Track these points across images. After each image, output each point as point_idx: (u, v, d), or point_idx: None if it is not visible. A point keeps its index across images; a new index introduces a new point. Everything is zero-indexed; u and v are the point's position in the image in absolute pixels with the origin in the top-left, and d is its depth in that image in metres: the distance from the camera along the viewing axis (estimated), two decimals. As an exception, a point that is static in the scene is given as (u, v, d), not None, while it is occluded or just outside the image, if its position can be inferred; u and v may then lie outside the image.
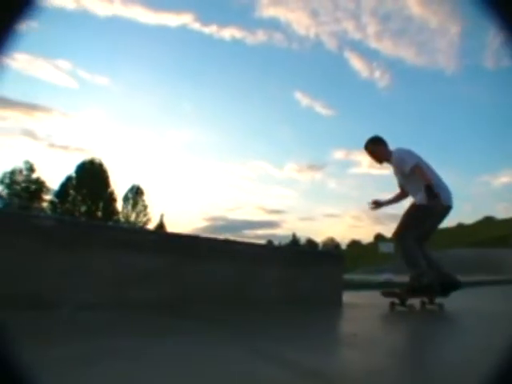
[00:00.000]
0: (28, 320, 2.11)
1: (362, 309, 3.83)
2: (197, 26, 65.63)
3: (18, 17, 0.96)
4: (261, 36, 77.30)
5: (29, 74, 59.78)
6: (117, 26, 62.93)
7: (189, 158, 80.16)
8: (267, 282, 3.54)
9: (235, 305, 3.20)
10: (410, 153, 4.13)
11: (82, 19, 60.73)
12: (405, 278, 4.20)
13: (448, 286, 3.97)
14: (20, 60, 62.89)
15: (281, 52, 71.69)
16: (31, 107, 64.69)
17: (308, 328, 2.55)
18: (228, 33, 76.17)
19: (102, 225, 2.86)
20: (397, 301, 3.74)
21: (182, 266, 3.05)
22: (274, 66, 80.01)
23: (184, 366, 1.43)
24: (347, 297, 4.12)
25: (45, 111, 65.34)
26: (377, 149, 4.21)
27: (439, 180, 4.09)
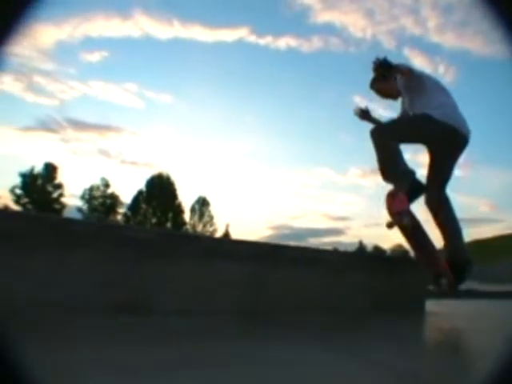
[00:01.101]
0: (138, 324, 2.32)
1: (446, 317, 3.73)
2: (253, 38, 66.64)
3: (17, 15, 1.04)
4: (316, 42, 76.74)
5: (102, 99, 64.10)
6: (177, 46, 65.81)
7: (252, 168, 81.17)
8: (350, 289, 3.55)
9: (319, 312, 3.24)
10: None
11: (146, 44, 64.19)
12: (488, 287, 3.94)
13: (457, 268, 3.30)
14: (95, 87, 67.65)
15: (338, 56, 70.73)
16: (105, 128, 69.44)
17: (397, 334, 2.56)
18: (283, 42, 76.61)
19: (192, 235, 3.06)
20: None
21: (266, 274, 3.16)
22: (331, 71, 78.81)
23: (296, 371, 1.51)
24: (429, 305, 4.02)
25: (116, 131, 69.53)
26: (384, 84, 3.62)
27: (448, 101, 3.43)
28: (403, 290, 3.77)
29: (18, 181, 43.95)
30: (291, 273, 3.26)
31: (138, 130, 78.92)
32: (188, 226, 50.50)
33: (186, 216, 51.26)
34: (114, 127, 75.86)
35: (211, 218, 52.43)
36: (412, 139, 3.53)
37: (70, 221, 2.69)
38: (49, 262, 2.35)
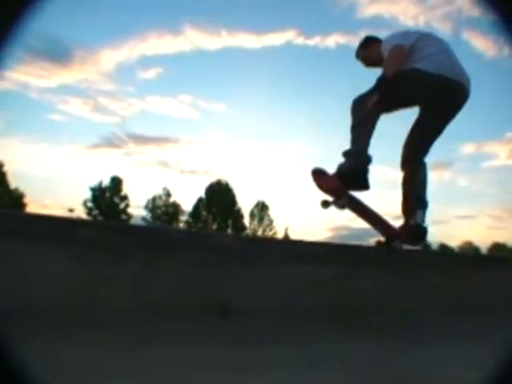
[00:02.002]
0: (230, 325, 2.41)
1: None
2: (300, 40, 66.28)
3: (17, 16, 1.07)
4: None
5: (160, 113, 66.87)
6: (227, 55, 67.05)
7: (307, 170, 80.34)
8: (422, 288, 3.46)
9: (396, 312, 3.18)
10: (402, 33, 3.10)
11: (197, 56, 65.97)
12: None
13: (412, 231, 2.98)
14: (152, 102, 70.42)
15: None
16: (163, 140, 72.15)
17: (480, 335, 2.46)
18: (332, 40, 75.17)
19: (274, 239, 3.12)
20: None
21: (347, 275, 3.16)
22: None
23: (397, 369, 1.53)
24: None
25: (174, 142, 71.93)
26: (369, 52, 3.22)
27: (437, 51, 2.98)
28: (480, 288, 3.59)
29: (88, 194, 46.80)
30: (369, 273, 3.23)
31: (194, 140, 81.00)
32: (248, 231, 51.03)
33: (246, 221, 51.88)
34: (172, 138, 78.72)
35: (271, 221, 52.63)
36: (399, 103, 3.07)
37: (161, 229, 2.84)
38: (142, 268, 2.51)
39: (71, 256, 2.45)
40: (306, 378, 1.43)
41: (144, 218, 47.90)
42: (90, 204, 46.49)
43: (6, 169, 43.19)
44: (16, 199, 43.05)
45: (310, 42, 69.32)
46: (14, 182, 43.79)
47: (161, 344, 1.83)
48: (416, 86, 2.96)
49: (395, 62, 2.90)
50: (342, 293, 3.11)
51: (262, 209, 52.65)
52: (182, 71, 73.83)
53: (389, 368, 1.56)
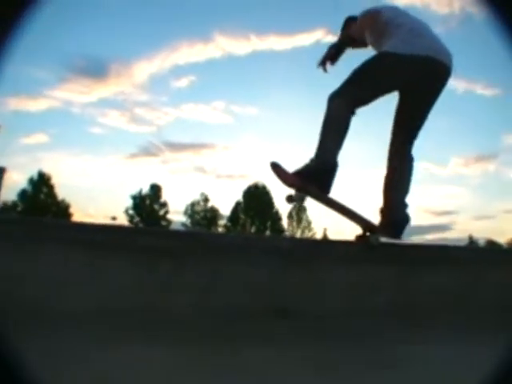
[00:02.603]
0: (295, 327, 2.40)
1: None
2: (329, 38, 65.38)
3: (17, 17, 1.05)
4: None
5: (194, 120, 68.08)
6: (257, 58, 67.21)
7: (344, 169, 79.24)
8: (490, 287, 3.33)
9: (462, 312, 3.08)
10: (378, 5, 2.96)
11: (228, 62, 66.78)
12: None
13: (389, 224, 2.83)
14: (186, 110, 71.78)
15: None
16: (198, 146, 73.64)
17: None
18: None
19: (335, 241, 3.10)
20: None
21: (408, 275, 3.08)
22: None
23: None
24: None
25: (209, 148, 72.84)
26: (351, 32, 3.06)
27: (418, 26, 2.81)
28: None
29: (130, 202, 48.21)
30: (431, 272, 3.14)
31: (229, 145, 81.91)
32: (287, 233, 50.98)
33: (284, 223, 51.85)
34: (207, 144, 79.82)
35: (309, 223, 52.36)
36: (378, 93, 2.82)
37: (222, 235, 2.87)
38: (202, 273, 2.53)
39: (134, 263, 2.50)
40: (396, 379, 1.39)
41: (184, 224, 48.76)
42: (131, 212, 47.84)
43: (53, 181, 45.23)
44: (63, 209, 44.91)
45: (339, 40, 68.53)
46: (60, 194, 45.80)
47: (240, 346, 1.84)
48: (392, 72, 2.76)
49: (366, 21, 2.84)
50: (407, 292, 3.04)
51: (299, 210, 52.45)
52: (214, 78, 74.94)
53: (477, 368, 1.50)
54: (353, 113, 2.77)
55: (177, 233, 3.14)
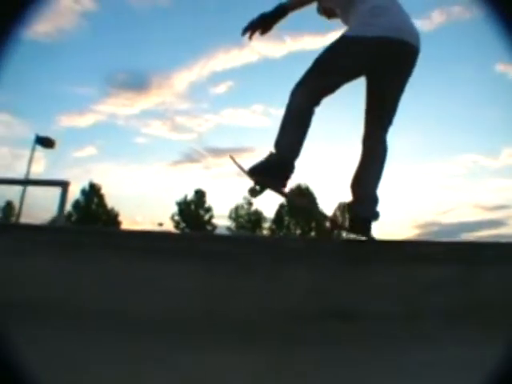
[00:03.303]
0: (358, 330, 2.38)
1: None
2: None
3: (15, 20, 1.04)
4: (437, 17, 69.15)
5: (233, 124, 68.77)
6: (292, 60, 66.78)
7: (389, 166, 77.27)
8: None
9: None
10: None
11: (264, 65, 67.07)
12: None
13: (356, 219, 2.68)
14: (225, 115, 72.68)
15: (463, 25, 63.38)
16: (239, 150, 73.96)
17: None
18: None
19: (390, 241, 3.06)
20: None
21: (469, 275, 2.98)
22: (463, 43, 70.70)
23: None
24: None
25: (249, 151, 72.88)
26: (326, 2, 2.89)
27: (383, 3, 2.60)
28: None
29: (175, 209, 49.42)
30: (494, 271, 3.02)
31: (268, 147, 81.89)
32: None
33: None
34: (247, 148, 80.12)
35: (354, 222, 51.63)
36: (340, 80, 2.66)
37: (281, 239, 2.89)
38: (269, 278, 2.56)
39: (198, 269, 2.57)
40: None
41: (228, 228, 49.34)
42: (177, 217, 48.98)
43: (103, 191, 47.28)
44: (113, 218, 46.71)
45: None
46: (110, 202, 47.74)
47: (306, 350, 1.85)
48: (352, 57, 2.60)
49: None
50: (468, 292, 2.93)
51: (344, 210, 51.77)
52: (251, 82, 75.63)
53: None
54: (317, 103, 2.65)
55: (237, 238, 3.20)
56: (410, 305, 2.76)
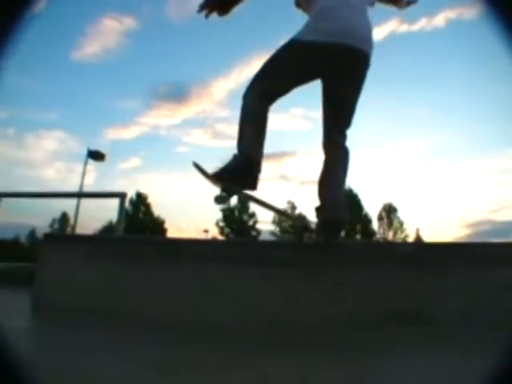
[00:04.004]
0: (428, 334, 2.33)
1: None
2: (405, 27, 62.25)
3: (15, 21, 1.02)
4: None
5: (274, 129, 68.69)
6: None
7: (434, 165, 75.05)
8: None
9: None
10: None
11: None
12: None
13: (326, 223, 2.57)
14: (265, 118, 72.99)
15: None
16: (280, 155, 74.20)
17: None
18: (441, 18, 68.99)
19: (460, 243, 3.00)
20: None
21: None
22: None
23: None
24: None
25: (290, 155, 73.42)
26: None
27: (333, 4, 2.52)
28: None
29: (219, 215, 50.09)
30: None
31: (309, 150, 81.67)
32: (378, 236, 49.32)
33: (374, 225, 50.27)
34: (289, 152, 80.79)
35: (401, 223, 50.22)
36: (289, 85, 2.65)
37: (345, 244, 2.90)
38: (335, 283, 2.56)
39: (265, 276, 2.61)
40: None
41: (273, 233, 49.38)
42: (221, 224, 49.59)
43: (149, 200, 48.75)
44: (159, 225, 47.96)
45: (416, 27, 64.79)
46: (155, 211, 49.12)
47: (377, 355, 1.85)
48: (299, 62, 2.56)
49: None
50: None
51: (389, 211, 50.58)
52: (292, 85, 75.54)
53: None
54: (269, 105, 2.64)
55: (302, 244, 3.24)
56: (485, 306, 2.67)
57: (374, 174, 74.13)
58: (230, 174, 2.52)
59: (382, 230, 50.27)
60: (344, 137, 2.72)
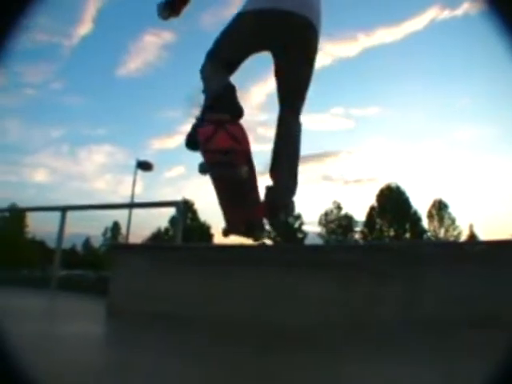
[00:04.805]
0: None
1: None
2: (446, 14, 59.98)
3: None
4: None
5: (315, 130, 68.18)
6: (367, 56, 64.38)
7: (486, 157, 71.42)
8: None
9: None
10: None
11: (338, 67, 65.91)
12: None
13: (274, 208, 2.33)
14: (306, 121, 71.60)
15: None
16: (323, 156, 73.49)
17: None
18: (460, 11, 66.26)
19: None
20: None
21: None
22: None
23: None
24: None
25: (333, 155, 72.56)
26: None
27: None
28: None
29: (265, 218, 50.21)
30: None
31: (352, 149, 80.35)
32: (429, 234, 47.68)
33: (424, 223, 48.62)
34: (331, 152, 79.72)
35: (453, 220, 48.28)
36: (240, 56, 2.50)
37: (415, 244, 2.88)
38: (406, 285, 2.54)
39: (334, 280, 2.65)
40: None
41: (319, 234, 48.94)
42: (267, 227, 49.69)
43: (196, 206, 49.86)
44: (206, 231, 48.85)
45: (459, 12, 61.92)
46: (202, 217, 50.12)
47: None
48: (245, 33, 2.43)
49: None
50: None
51: (440, 208, 48.75)
52: (328, 85, 74.63)
53: None
54: (228, 75, 2.50)
55: (375, 246, 3.25)
56: None
57: (422, 169, 71.62)
58: (212, 110, 2.35)
59: (432, 228, 48.53)
60: (297, 114, 2.55)
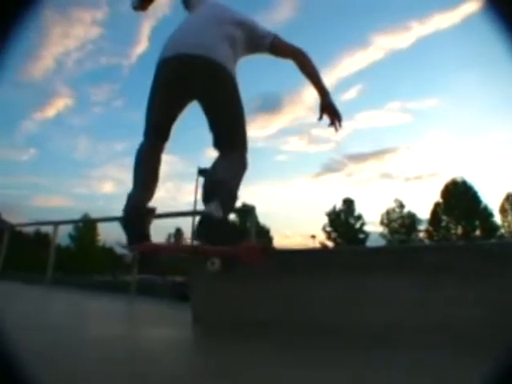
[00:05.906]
0: None
1: None
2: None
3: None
4: None
5: (370, 127, 66.81)
6: (423, 45, 61.30)
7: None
8: None
9: None
10: None
11: (392, 60, 63.93)
12: None
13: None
14: (360, 119, 70.47)
15: None
16: (380, 153, 71.99)
17: None
18: None
19: None
20: None
21: None
22: None
23: None
24: None
25: (392, 152, 70.70)
26: None
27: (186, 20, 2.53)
28: None
29: (325, 220, 49.75)
30: None
31: (412, 145, 77.30)
32: (502, 230, 44.79)
33: (497, 219, 45.72)
34: (389, 148, 77.54)
35: (529, 215, 45.10)
36: (173, 114, 2.42)
37: (499, 244, 2.75)
38: (487, 288, 2.43)
39: (420, 282, 2.58)
40: None
41: (382, 234, 47.64)
42: (328, 229, 49.17)
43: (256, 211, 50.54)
44: (265, 234, 49.19)
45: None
46: (261, 220, 50.62)
47: None
48: (161, 86, 2.38)
49: None
50: None
51: (514, 201, 45.70)
52: (382, 80, 72.62)
53: None
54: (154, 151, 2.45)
55: (458, 247, 3.12)
56: None
57: (490, 161, 67.48)
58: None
59: (507, 224, 45.54)
60: (238, 149, 2.45)
